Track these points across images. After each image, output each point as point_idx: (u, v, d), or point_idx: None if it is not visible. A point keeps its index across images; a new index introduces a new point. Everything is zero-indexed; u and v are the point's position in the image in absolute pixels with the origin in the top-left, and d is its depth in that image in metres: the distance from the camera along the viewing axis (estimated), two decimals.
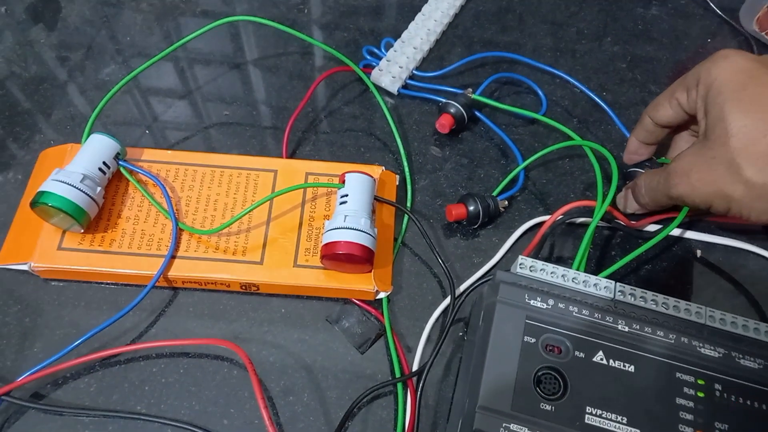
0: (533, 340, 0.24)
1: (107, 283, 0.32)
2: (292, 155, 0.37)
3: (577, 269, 0.28)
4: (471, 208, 0.33)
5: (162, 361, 0.30)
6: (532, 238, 0.34)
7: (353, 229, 0.30)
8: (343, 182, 0.32)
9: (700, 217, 0.36)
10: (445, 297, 0.32)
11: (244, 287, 0.32)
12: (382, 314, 0.32)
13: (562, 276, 0.26)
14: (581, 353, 0.23)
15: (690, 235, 0.35)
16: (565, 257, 0.34)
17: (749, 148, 0.26)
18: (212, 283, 0.32)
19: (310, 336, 0.31)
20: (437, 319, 0.32)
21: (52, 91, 0.39)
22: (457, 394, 0.29)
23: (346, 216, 0.30)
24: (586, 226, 0.35)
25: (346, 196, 0.31)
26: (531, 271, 0.27)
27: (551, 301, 0.25)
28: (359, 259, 0.30)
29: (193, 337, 0.31)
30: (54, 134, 0.37)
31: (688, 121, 0.33)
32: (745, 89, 0.28)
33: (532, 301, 0.25)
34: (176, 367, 0.30)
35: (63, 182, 0.30)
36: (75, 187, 0.30)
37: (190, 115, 0.38)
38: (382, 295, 0.32)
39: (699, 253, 0.35)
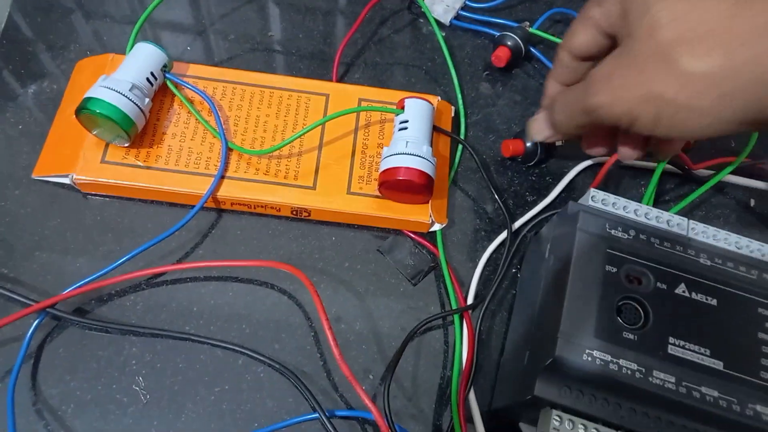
0: (614, 270, 0.23)
1: (150, 201, 0.31)
2: (340, 81, 0.35)
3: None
4: (528, 144, 0.32)
5: (210, 284, 0.29)
6: (587, 180, 0.34)
7: (415, 155, 0.29)
8: (402, 108, 0.31)
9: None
10: (497, 233, 0.32)
11: (294, 212, 0.31)
12: (435, 246, 0.31)
13: (635, 211, 0.26)
14: (663, 285, 0.23)
15: (743, 182, 0.35)
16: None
17: (685, 34, 0.21)
18: (262, 207, 0.30)
19: (362, 265, 0.31)
20: (491, 255, 0.31)
21: None
22: (514, 328, 0.29)
23: (407, 142, 0.29)
24: (637, 167, 0.34)
25: (406, 122, 0.30)
26: (603, 204, 0.26)
27: (632, 232, 0.24)
28: (420, 187, 0.29)
29: (240, 259, 0.30)
30: (90, 43, 0.35)
31: (611, 47, 0.27)
32: None
33: (612, 231, 0.24)
34: (225, 289, 0.29)
35: (112, 89, 0.28)
36: (124, 95, 0.28)
37: (234, 34, 0.36)
38: (437, 227, 0.31)
39: (753, 202, 0.34)
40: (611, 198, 0.26)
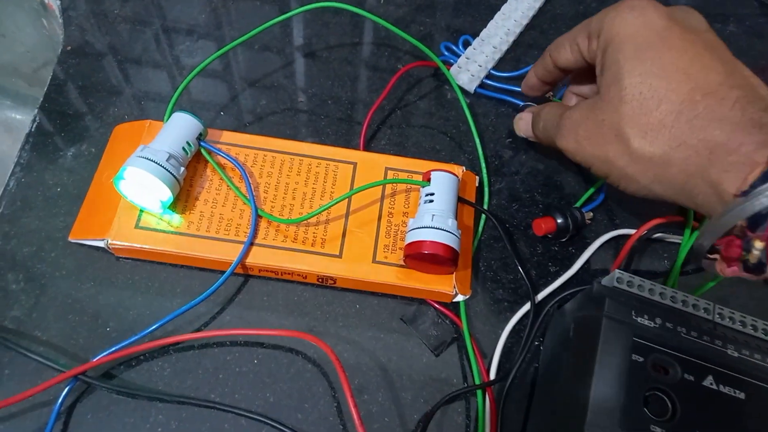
0: (641, 359, 0.23)
1: (180, 265, 0.31)
2: (366, 148, 0.36)
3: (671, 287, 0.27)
4: (560, 221, 0.32)
5: (236, 350, 0.30)
6: (609, 251, 0.34)
7: (441, 229, 0.29)
8: (428, 180, 0.32)
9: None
10: (520, 304, 0.32)
11: (320, 280, 0.31)
12: (457, 317, 0.31)
13: (660, 294, 0.26)
14: (690, 376, 0.23)
15: None
16: (641, 273, 0.34)
17: (640, 117, 0.24)
18: (289, 274, 0.31)
19: (385, 334, 0.31)
20: (514, 326, 0.31)
21: (125, 65, 0.38)
22: (537, 408, 0.29)
23: (433, 215, 0.30)
24: (662, 241, 0.34)
25: (432, 194, 0.31)
26: (628, 286, 0.26)
27: (658, 320, 0.24)
28: (445, 260, 0.29)
29: (269, 327, 0.30)
30: (127, 109, 0.36)
31: (588, 70, 0.29)
32: (649, 50, 0.25)
33: (639, 318, 0.24)
34: (251, 356, 0.30)
35: (149, 160, 0.29)
36: (161, 165, 0.29)
37: (264, 100, 0.37)
38: (460, 297, 0.31)
39: None
40: (636, 280, 0.26)
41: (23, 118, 0.55)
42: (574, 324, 0.27)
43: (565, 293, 0.31)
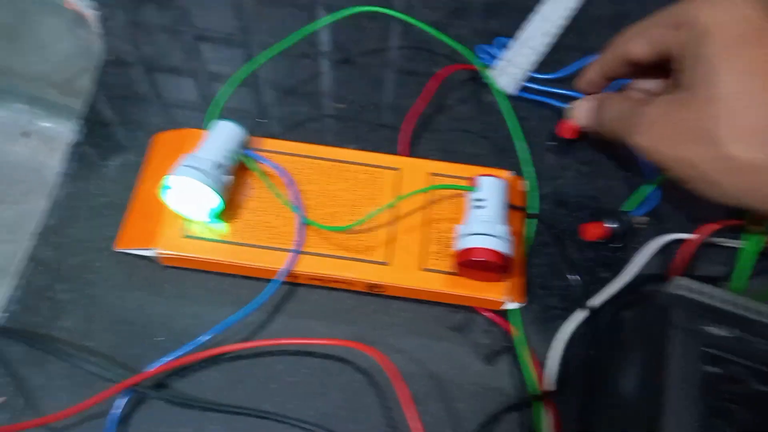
0: (714, 371, 0.22)
1: (225, 274, 0.31)
2: (408, 154, 0.36)
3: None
4: (610, 226, 0.32)
5: (287, 359, 0.29)
6: (663, 256, 0.33)
7: (493, 236, 0.29)
8: (476, 185, 0.31)
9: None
10: (571, 311, 0.31)
11: (368, 288, 0.31)
12: (509, 324, 0.31)
13: (729, 301, 0.25)
14: (766, 387, 0.22)
15: None
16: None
17: (734, 119, 0.22)
18: (336, 282, 0.31)
19: (435, 343, 0.30)
20: (568, 335, 0.31)
21: (163, 73, 0.38)
22: (596, 417, 0.28)
23: (484, 221, 0.29)
24: (716, 246, 0.33)
25: (482, 200, 0.30)
26: (692, 293, 0.25)
27: (730, 329, 0.23)
28: (499, 267, 0.29)
29: (319, 337, 0.30)
30: (166, 117, 0.36)
31: (659, 65, 0.27)
32: (745, 46, 0.22)
33: (708, 328, 0.23)
34: (301, 366, 0.29)
35: (197, 168, 0.29)
36: (210, 173, 0.29)
37: (303, 107, 0.37)
38: (512, 305, 0.31)
39: None
40: (702, 287, 0.25)
41: (57, 128, 0.55)
42: (636, 333, 0.26)
43: (622, 300, 0.31)
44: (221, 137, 0.31)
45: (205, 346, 0.28)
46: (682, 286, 0.25)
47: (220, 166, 0.30)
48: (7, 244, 0.50)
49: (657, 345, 0.24)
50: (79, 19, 0.43)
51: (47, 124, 0.54)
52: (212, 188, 0.29)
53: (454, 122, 0.37)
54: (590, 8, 0.42)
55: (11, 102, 0.55)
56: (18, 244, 0.49)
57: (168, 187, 0.29)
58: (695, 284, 0.25)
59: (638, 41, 0.27)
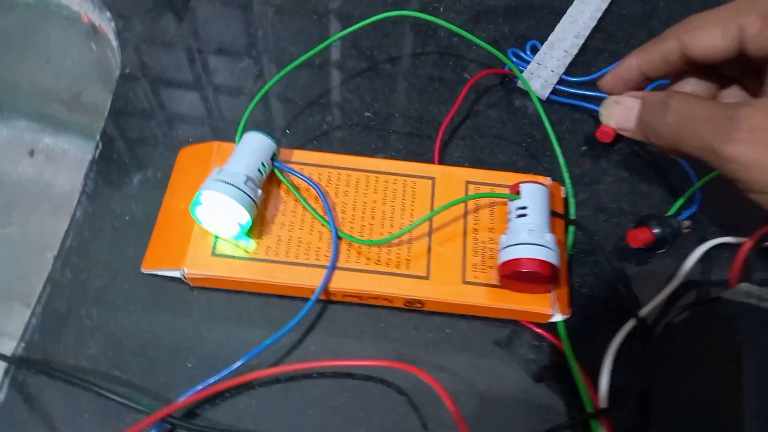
0: None
1: (257, 293, 0.30)
2: (441, 162, 0.34)
3: None
4: (657, 231, 0.30)
5: (324, 383, 0.28)
6: (713, 261, 0.32)
7: (539, 245, 0.27)
8: (517, 193, 0.30)
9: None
10: (620, 322, 0.30)
11: (407, 304, 0.29)
12: (555, 338, 0.29)
13: None
14: None
15: None
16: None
17: None
18: (374, 298, 0.29)
19: (479, 360, 0.29)
20: (617, 347, 0.29)
21: (184, 86, 0.37)
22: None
23: (529, 230, 0.28)
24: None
25: (524, 208, 0.29)
26: (759, 301, 0.24)
27: None
28: (546, 278, 0.27)
29: (358, 358, 0.28)
30: (190, 131, 0.35)
31: (709, 68, 0.23)
32: None
33: None
34: (341, 389, 0.28)
35: (229, 184, 0.27)
36: (240, 188, 0.27)
37: (329, 116, 0.36)
38: (558, 317, 0.29)
39: None
40: (763, 291, 0.24)
41: (64, 146, 0.54)
42: (700, 346, 0.25)
43: (676, 310, 0.29)
44: (251, 149, 0.29)
45: (237, 371, 0.27)
46: (746, 293, 0.24)
47: (250, 179, 0.28)
48: (14, 266, 0.48)
49: (728, 360, 0.22)
50: (91, 32, 0.41)
51: (53, 142, 0.52)
52: (241, 204, 0.27)
53: (486, 128, 0.36)
54: (617, 8, 0.41)
55: (16, 119, 0.53)
56: (26, 265, 0.48)
57: (198, 203, 0.27)
58: (762, 291, 0.24)
59: (707, 33, 0.23)
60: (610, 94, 0.27)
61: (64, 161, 0.54)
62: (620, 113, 0.26)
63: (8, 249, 0.47)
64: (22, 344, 0.28)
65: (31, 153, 0.51)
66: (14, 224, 0.48)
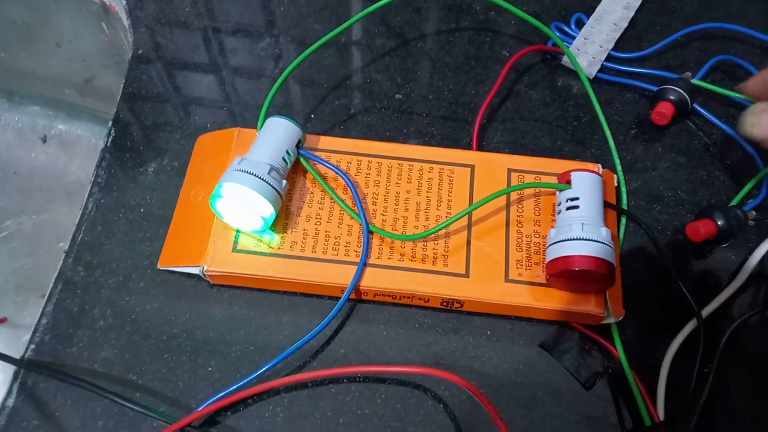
0: None
1: (282, 291, 0.27)
2: (479, 148, 0.31)
3: None
4: (721, 223, 0.27)
5: (355, 388, 0.26)
6: None
7: (595, 240, 0.25)
8: (568, 182, 0.27)
9: None
10: (679, 323, 0.27)
11: (444, 303, 0.27)
12: (608, 341, 0.27)
13: None
14: None
15: None
16: None
17: None
18: (408, 297, 0.27)
19: (524, 365, 0.26)
20: (676, 352, 0.26)
21: (200, 68, 0.34)
22: None
23: (583, 224, 0.25)
24: None
25: (576, 199, 0.26)
26: None
27: None
28: (601, 277, 0.24)
29: (391, 362, 0.26)
30: (208, 117, 0.32)
31: None
32: None
33: None
34: (373, 396, 0.25)
35: (253, 174, 0.25)
36: (264, 179, 0.25)
37: (357, 99, 0.33)
38: (611, 319, 0.26)
39: None
40: None
41: (77, 132, 0.52)
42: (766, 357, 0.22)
43: (743, 310, 0.26)
44: (275, 136, 0.27)
45: (262, 376, 0.25)
46: None
47: (274, 169, 0.26)
48: (29, 257, 0.47)
49: None
50: (102, 12, 0.39)
51: (66, 128, 0.51)
52: (270, 197, 0.25)
53: (528, 110, 0.33)
54: None
55: (28, 105, 0.51)
56: (41, 259, 0.46)
57: (219, 196, 0.25)
58: None
59: None
60: (756, 99, 0.25)
61: (78, 148, 0.52)
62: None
63: (23, 240, 0.45)
64: (32, 346, 0.26)
65: (44, 139, 0.49)
66: (29, 214, 0.46)
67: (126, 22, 0.35)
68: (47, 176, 0.48)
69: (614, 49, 0.34)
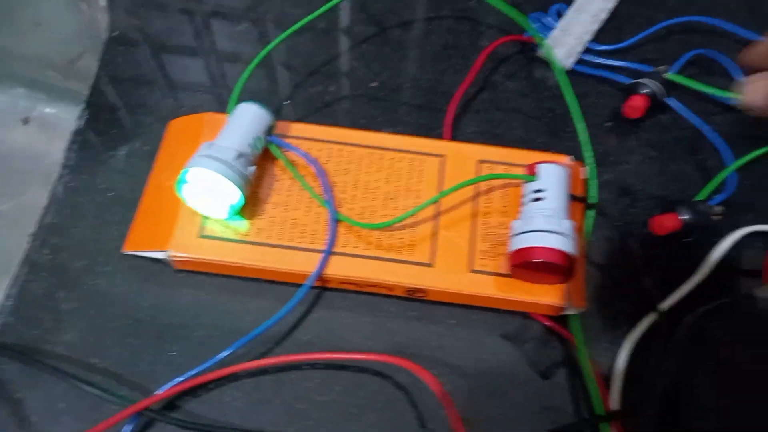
0: None
1: (247, 278, 0.28)
2: (453, 138, 0.31)
3: None
4: (685, 218, 0.27)
5: (317, 376, 0.26)
6: (744, 251, 0.29)
7: (556, 232, 0.25)
8: (534, 174, 0.27)
9: None
10: (639, 318, 0.27)
11: (409, 293, 0.27)
12: (568, 332, 0.27)
13: None
14: None
15: None
16: None
17: None
18: (373, 286, 0.27)
19: (486, 355, 0.27)
20: (634, 344, 0.27)
21: (174, 53, 0.34)
22: None
23: (546, 216, 0.25)
24: None
25: (541, 191, 0.26)
26: None
27: None
28: (562, 269, 0.25)
29: (353, 350, 0.26)
30: (182, 101, 0.32)
31: None
32: None
33: None
34: (333, 383, 0.26)
35: (218, 160, 0.25)
36: (230, 165, 0.25)
37: (332, 86, 0.33)
38: (572, 310, 0.27)
39: None
40: None
41: (58, 114, 0.52)
42: (733, 349, 0.22)
43: (707, 305, 0.27)
44: (245, 122, 0.27)
45: (223, 361, 0.25)
46: None
47: (242, 155, 0.26)
48: (11, 242, 0.47)
49: (763, 362, 0.20)
50: None
51: (47, 110, 0.50)
52: (232, 181, 0.25)
53: (503, 101, 0.33)
54: None
55: (8, 87, 0.51)
56: (17, 241, 0.46)
57: (184, 182, 0.25)
58: None
59: None
60: (754, 69, 0.26)
61: (59, 130, 0.52)
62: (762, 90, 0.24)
63: (4, 224, 0.45)
64: None
65: (26, 121, 0.49)
66: (7, 196, 0.46)
67: (103, 3, 0.35)
68: (27, 159, 0.48)
69: (594, 41, 0.34)
